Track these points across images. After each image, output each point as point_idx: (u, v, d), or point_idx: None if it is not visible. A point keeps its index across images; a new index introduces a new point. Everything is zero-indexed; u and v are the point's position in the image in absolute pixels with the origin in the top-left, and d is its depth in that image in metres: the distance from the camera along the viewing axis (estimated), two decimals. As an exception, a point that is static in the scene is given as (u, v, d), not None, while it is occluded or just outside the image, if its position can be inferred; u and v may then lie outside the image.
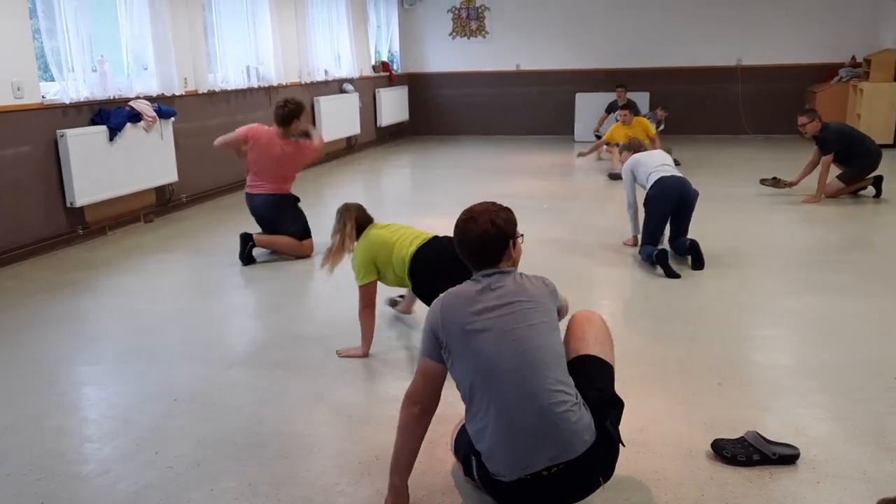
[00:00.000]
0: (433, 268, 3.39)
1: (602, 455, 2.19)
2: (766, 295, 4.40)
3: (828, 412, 2.92)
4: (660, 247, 4.94)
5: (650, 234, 5.04)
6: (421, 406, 2.24)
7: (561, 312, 2.44)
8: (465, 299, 2.23)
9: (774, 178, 7.19)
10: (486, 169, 9.25)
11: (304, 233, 5.43)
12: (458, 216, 2.39)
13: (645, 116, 9.73)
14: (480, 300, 2.22)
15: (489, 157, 10.52)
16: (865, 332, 3.76)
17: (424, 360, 2.27)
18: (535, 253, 5.39)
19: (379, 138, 11.99)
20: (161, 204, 6.94)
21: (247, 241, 5.25)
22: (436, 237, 3.53)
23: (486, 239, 2.26)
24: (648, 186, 5.07)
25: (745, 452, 2.55)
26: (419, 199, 7.84)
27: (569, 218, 6.52)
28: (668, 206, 4.98)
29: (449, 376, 2.27)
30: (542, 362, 2.15)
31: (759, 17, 11.42)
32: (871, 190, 6.95)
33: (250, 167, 5.45)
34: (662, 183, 4.97)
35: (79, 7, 5.83)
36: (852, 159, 6.79)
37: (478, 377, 2.15)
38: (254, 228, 5.48)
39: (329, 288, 4.57)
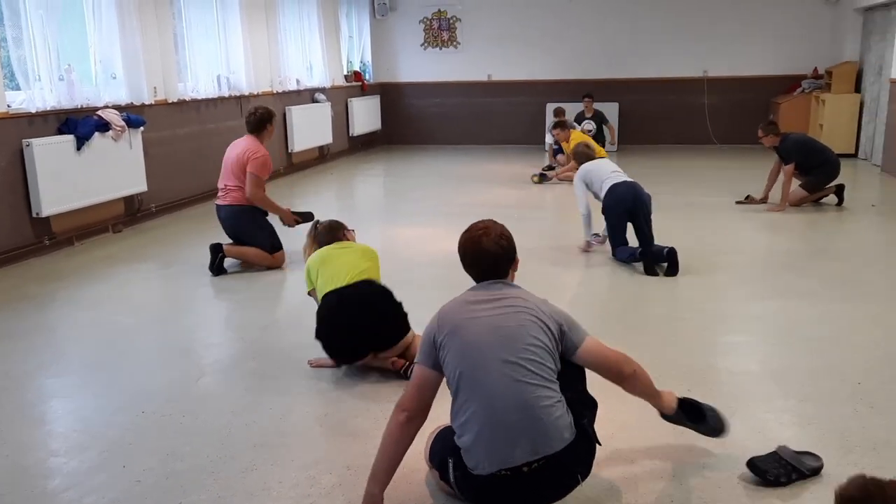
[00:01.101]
0: (329, 318, 3.42)
1: (581, 453, 2.25)
2: (733, 301, 4.47)
3: (793, 416, 2.98)
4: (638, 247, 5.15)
5: (618, 237, 5.27)
6: (408, 414, 2.28)
7: (580, 346, 2.36)
8: (463, 301, 2.34)
9: (748, 197, 7.34)
10: (457, 178, 9.29)
11: (272, 247, 5.36)
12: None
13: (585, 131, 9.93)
14: (478, 298, 2.33)
15: (461, 166, 10.56)
16: (829, 337, 3.83)
17: (419, 367, 2.32)
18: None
19: (351, 147, 11.98)
20: (130, 214, 6.86)
21: (217, 251, 5.21)
22: (353, 285, 3.42)
23: (499, 254, 2.36)
24: (604, 195, 5.29)
25: (786, 472, 2.49)
26: (391, 208, 7.84)
27: (537, 227, 6.57)
28: (625, 209, 5.20)
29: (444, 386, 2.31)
30: (526, 364, 2.20)
31: (724, 29, 11.63)
32: (833, 199, 7.11)
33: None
34: (615, 190, 5.22)
35: (45, 15, 5.76)
36: (813, 169, 6.94)
37: (465, 364, 2.21)
38: (224, 239, 5.44)
39: (300, 298, 4.55)
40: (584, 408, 2.33)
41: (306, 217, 5.50)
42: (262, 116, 5.43)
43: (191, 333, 4.21)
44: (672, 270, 4.96)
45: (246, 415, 3.10)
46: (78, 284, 5.09)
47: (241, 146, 5.39)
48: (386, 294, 3.49)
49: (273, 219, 5.54)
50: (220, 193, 5.42)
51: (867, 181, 8.53)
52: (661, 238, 5.20)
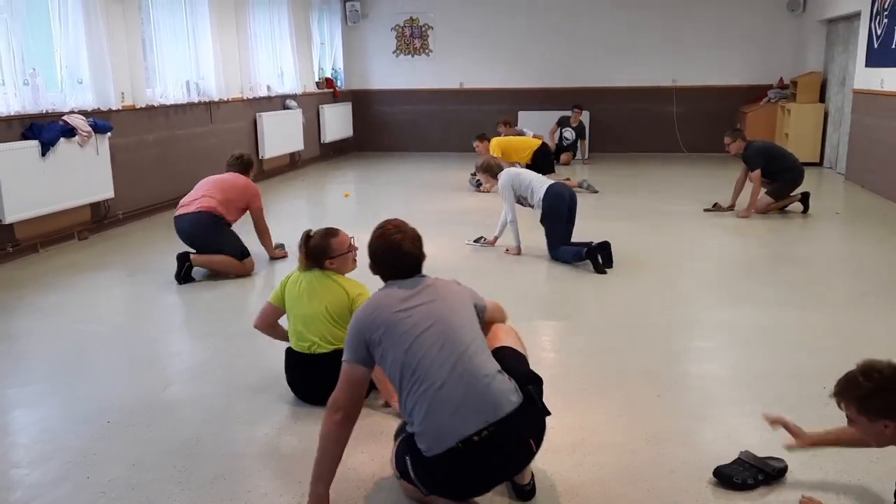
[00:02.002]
0: (292, 378, 3.27)
1: (530, 418, 2.31)
2: (701, 307, 4.53)
3: (761, 421, 3.00)
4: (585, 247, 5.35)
5: (560, 237, 5.48)
6: (344, 412, 2.31)
7: (485, 311, 2.62)
8: (392, 297, 2.39)
9: (715, 205, 7.44)
10: (428, 185, 9.29)
11: (241, 254, 5.28)
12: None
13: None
14: (407, 294, 2.38)
15: (432, 173, 10.57)
16: (795, 342, 3.89)
17: (349, 365, 2.35)
18: (472, 268, 5.44)
19: (323, 154, 11.93)
20: (96, 220, 6.75)
21: (184, 260, 5.12)
22: (310, 358, 3.18)
23: (418, 255, 2.48)
24: (540, 197, 5.45)
25: (752, 474, 2.53)
26: (362, 215, 7.81)
27: (506, 235, 6.58)
28: (567, 207, 5.47)
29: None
30: (463, 340, 2.31)
31: (692, 40, 11.80)
32: (798, 206, 7.23)
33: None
34: (554, 190, 5.46)
35: (10, 19, 5.66)
36: (777, 175, 7.07)
37: (408, 355, 2.27)
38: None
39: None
40: (528, 381, 2.40)
41: (281, 245, 5.82)
42: (248, 162, 5.66)
43: (157, 342, 4.15)
44: (608, 263, 5.27)
45: (214, 424, 3.06)
46: (42, 292, 4.99)
47: (231, 177, 5.47)
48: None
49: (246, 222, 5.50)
50: (183, 206, 5.31)
51: (832, 189, 8.70)
52: (633, 246, 5.25)
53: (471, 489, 2.34)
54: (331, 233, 3.29)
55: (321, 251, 3.23)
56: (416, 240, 2.49)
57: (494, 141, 8.93)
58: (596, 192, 8.42)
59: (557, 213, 5.45)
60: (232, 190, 5.37)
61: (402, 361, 2.27)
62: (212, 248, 5.20)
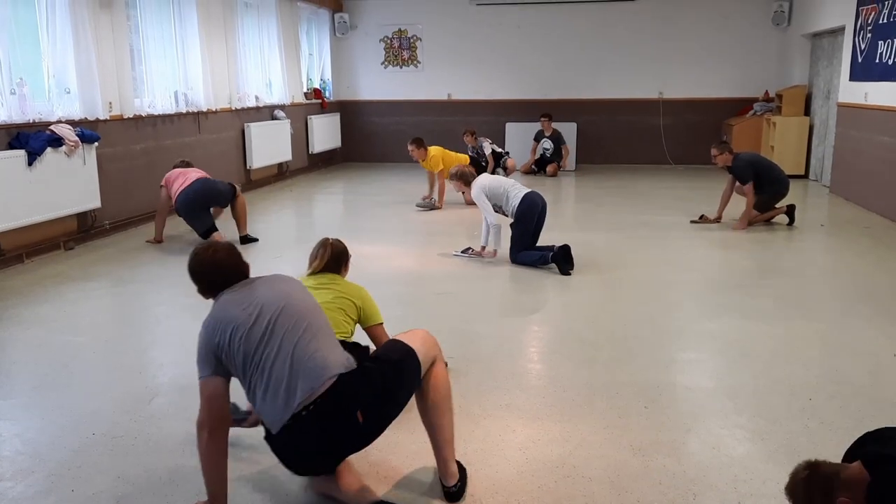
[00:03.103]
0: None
1: (358, 388, 2.38)
2: (687, 319, 4.55)
3: (747, 432, 3.03)
4: (551, 250, 5.60)
5: (527, 242, 5.76)
6: (209, 429, 2.36)
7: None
8: (228, 303, 2.46)
9: (702, 216, 7.49)
10: (416, 196, 9.27)
11: (206, 233, 6.36)
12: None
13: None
14: (241, 297, 2.47)
15: (419, 184, 10.55)
16: (780, 353, 3.92)
17: (203, 381, 2.40)
18: (455, 278, 5.44)
19: (311, 165, 11.92)
20: (83, 231, 6.71)
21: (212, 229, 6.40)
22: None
23: (239, 261, 2.59)
24: (517, 204, 5.71)
25: None
26: (350, 226, 7.81)
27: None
28: (536, 215, 5.75)
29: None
30: (299, 325, 2.42)
31: (679, 52, 11.90)
32: (784, 218, 7.29)
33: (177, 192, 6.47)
34: (529, 197, 5.74)
35: (-4, 28, 5.65)
36: (763, 187, 7.13)
37: (247, 346, 2.36)
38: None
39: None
40: (376, 360, 2.53)
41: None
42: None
43: (143, 353, 4.12)
44: (570, 265, 5.54)
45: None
46: (27, 303, 4.95)
47: (195, 169, 6.74)
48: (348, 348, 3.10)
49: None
50: (181, 184, 6.46)
51: (817, 202, 8.78)
52: (619, 257, 5.27)
53: (317, 462, 2.44)
54: (340, 257, 3.40)
55: (344, 255, 3.39)
56: (232, 250, 2.61)
57: (437, 150, 8.81)
58: None
59: (528, 220, 5.74)
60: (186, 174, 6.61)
61: (243, 352, 2.37)
62: (223, 201, 6.64)
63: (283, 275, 2.65)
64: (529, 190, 5.83)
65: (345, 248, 3.39)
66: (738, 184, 7.26)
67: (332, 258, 3.33)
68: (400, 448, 2.91)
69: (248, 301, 2.44)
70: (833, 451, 2.79)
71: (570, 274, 5.49)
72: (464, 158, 9.04)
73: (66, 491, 2.63)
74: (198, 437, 2.38)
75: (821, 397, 3.36)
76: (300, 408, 2.30)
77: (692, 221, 7.45)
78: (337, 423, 2.34)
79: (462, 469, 2.64)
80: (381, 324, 3.29)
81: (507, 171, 9.90)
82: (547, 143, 11.28)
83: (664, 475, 2.70)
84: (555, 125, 11.39)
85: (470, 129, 10.34)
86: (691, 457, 2.83)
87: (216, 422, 2.38)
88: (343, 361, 2.41)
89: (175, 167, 6.82)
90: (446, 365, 2.88)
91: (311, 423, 2.31)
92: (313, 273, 3.32)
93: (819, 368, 3.71)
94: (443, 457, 2.56)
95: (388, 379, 2.44)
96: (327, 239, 3.40)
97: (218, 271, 2.56)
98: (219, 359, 2.40)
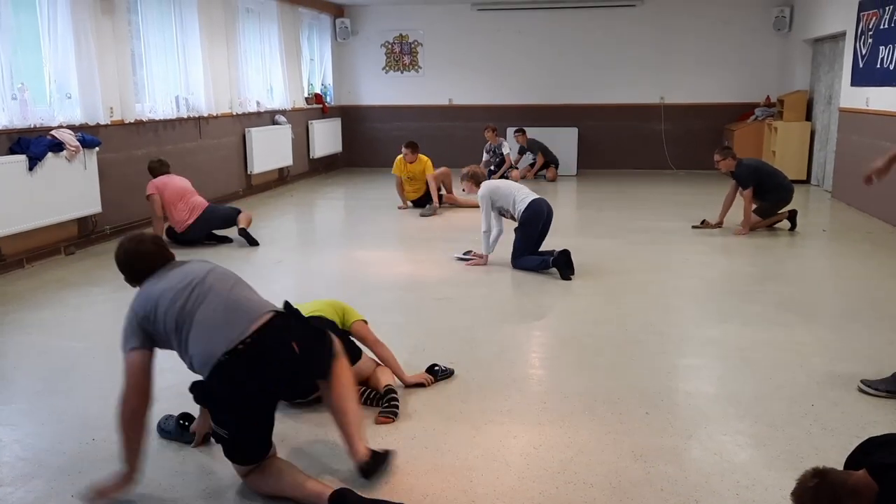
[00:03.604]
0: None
1: (293, 324, 2.62)
2: (688, 324, 4.54)
3: (748, 438, 3.02)
4: (553, 254, 5.61)
5: (529, 248, 5.78)
6: (131, 407, 2.51)
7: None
8: (154, 282, 2.63)
9: (703, 221, 7.50)
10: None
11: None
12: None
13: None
14: (166, 275, 2.65)
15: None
16: (782, 359, 3.90)
17: (129, 354, 2.55)
18: (456, 282, 5.43)
19: (312, 170, 11.93)
20: (83, 236, 6.71)
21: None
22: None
23: (157, 247, 2.76)
24: (522, 209, 5.73)
25: None
26: (351, 231, 7.81)
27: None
28: (541, 222, 5.78)
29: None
30: (225, 284, 2.63)
31: (680, 58, 11.92)
32: (786, 224, 7.28)
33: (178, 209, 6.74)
34: (535, 204, 5.75)
35: (-2, 33, 5.66)
36: (766, 194, 7.12)
37: (174, 308, 2.52)
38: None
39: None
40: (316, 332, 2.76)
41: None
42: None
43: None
44: (571, 270, 5.55)
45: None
46: (27, 308, 4.95)
47: (178, 177, 6.94)
48: (317, 321, 3.22)
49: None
50: (189, 214, 6.69)
51: (819, 207, 8.77)
52: (620, 262, 5.26)
53: (251, 407, 2.51)
54: None
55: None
56: (157, 240, 2.79)
57: (427, 159, 8.86)
58: None
59: (532, 226, 5.76)
60: (188, 186, 6.90)
61: (176, 310, 2.51)
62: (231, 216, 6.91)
63: (204, 261, 2.84)
64: (536, 197, 5.82)
65: None
66: (740, 189, 7.26)
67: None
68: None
69: (175, 275, 2.63)
70: (835, 458, 2.78)
71: (570, 279, 5.49)
72: (429, 173, 8.89)
73: (66, 497, 2.62)
74: (119, 410, 2.52)
75: (823, 403, 3.35)
76: (237, 343, 2.43)
77: (694, 227, 7.44)
78: (274, 352, 2.48)
79: (383, 452, 2.70)
80: (364, 320, 3.45)
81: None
82: (529, 157, 11.38)
83: (666, 481, 2.69)
84: (557, 130, 11.43)
85: (492, 125, 10.42)
86: (693, 463, 2.82)
87: (139, 398, 2.52)
88: (273, 305, 2.63)
89: (157, 173, 6.84)
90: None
91: (249, 354, 2.44)
92: None
93: (821, 374, 3.70)
94: (352, 437, 2.67)
95: (315, 330, 2.72)
96: None
97: (142, 260, 2.71)
98: (146, 332, 2.54)
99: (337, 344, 2.76)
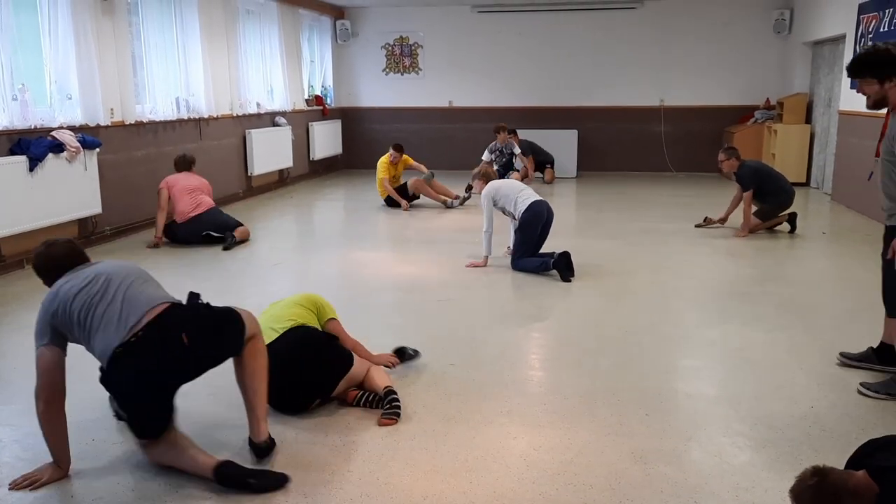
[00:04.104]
0: None
1: (185, 315, 2.73)
2: (688, 326, 4.54)
3: (748, 440, 3.02)
4: (553, 256, 5.62)
5: (530, 249, 5.78)
6: (44, 400, 2.66)
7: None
8: (70, 279, 2.75)
9: (706, 219, 7.54)
10: (416, 203, 9.29)
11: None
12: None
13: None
14: (75, 274, 2.77)
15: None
16: (781, 361, 3.91)
17: (40, 350, 2.67)
18: (456, 284, 5.43)
19: (312, 171, 11.94)
20: (84, 236, 6.71)
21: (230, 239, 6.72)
22: (277, 339, 3.29)
23: (71, 252, 2.89)
24: (522, 210, 5.75)
25: None
26: (350, 233, 7.81)
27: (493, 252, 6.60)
28: (541, 224, 5.77)
29: None
30: (126, 279, 2.76)
31: (680, 60, 11.93)
32: (786, 226, 7.29)
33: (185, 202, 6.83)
34: (535, 206, 5.76)
35: (-1, 34, 5.67)
36: (767, 196, 7.13)
37: (77, 303, 2.65)
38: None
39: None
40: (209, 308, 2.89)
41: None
42: (192, 159, 7.27)
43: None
44: (571, 272, 5.55)
45: (199, 443, 3.02)
46: (27, 308, 4.94)
47: (196, 177, 7.04)
48: (313, 337, 3.33)
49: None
50: (194, 207, 6.81)
51: (818, 209, 8.77)
52: (621, 264, 5.26)
53: (149, 393, 2.66)
54: None
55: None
56: (69, 244, 2.93)
57: (408, 158, 9.27)
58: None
59: (532, 228, 5.76)
60: (204, 186, 7.07)
61: (80, 305, 2.65)
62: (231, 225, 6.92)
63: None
64: (537, 199, 5.83)
65: None
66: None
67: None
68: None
69: (82, 273, 2.76)
70: (835, 460, 2.78)
71: (570, 281, 5.49)
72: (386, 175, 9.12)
73: (65, 497, 2.62)
74: (35, 405, 2.67)
75: (823, 405, 3.35)
76: (131, 335, 2.59)
77: (697, 225, 7.48)
78: (164, 344, 2.62)
79: (273, 443, 2.89)
80: (335, 318, 3.55)
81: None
82: (517, 163, 11.40)
83: (665, 483, 2.69)
84: (557, 132, 11.43)
85: (505, 125, 10.46)
86: (693, 465, 2.82)
87: (51, 392, 2.66)
88: (172, 298, 2.77)
89: (177, 168, 7.08)
90: None
91: (141, 347, 2.59)
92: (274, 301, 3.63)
93: (821, 376, 3.70)
94: (256, 416, 2.84)
95: (215, 318, 2.80)
96: None
97: (52, 260, 2.86)
98: (55, 329, 2.67)
99: (252, 324, 2.89)
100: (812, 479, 1.99)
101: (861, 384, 3.49)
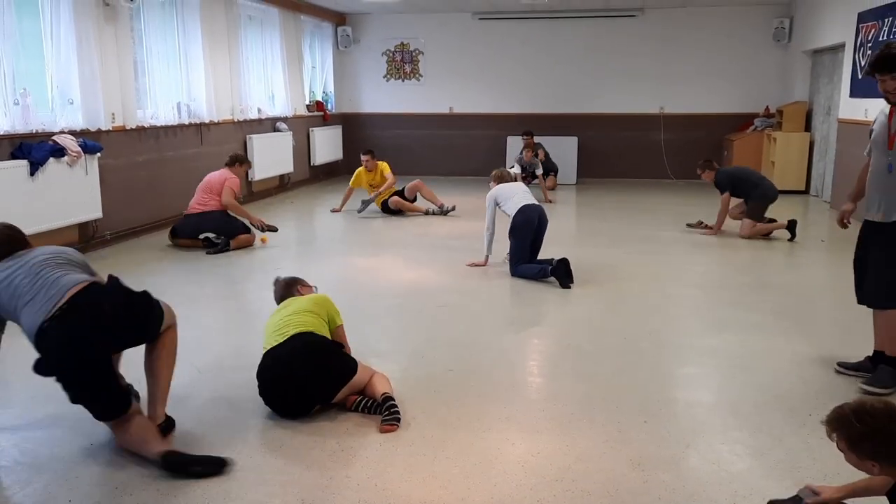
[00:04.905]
0: (265, 380, 3.34)
1: (106, 289, 2.96)
2: (687, 333, 4.54)
3: (747, 448, 3.02)
4: (552, 262, 5.62)
5: (524, 256, 5.79)
6: None
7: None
8: (8, 263, 2.97)
9: (699, 222, 7.81)
10: (415, 203, 9.29)
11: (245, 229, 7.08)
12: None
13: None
14: (12, 260, 2.98)
15: (419, 197, 10.57)
16: (780, 368, 3.91)
17: None
18: (457, 290, 5.44)
19: (312, 177, 11.95)
20: (84, 241, 6.72)
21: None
22: (284, 343, 3.33)
23: (12, 239, 3.09)
24: (512, 214, 5.79)
25: None
26: (350, 238, 7.82)
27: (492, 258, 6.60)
28: (532, 229, 5.76)
29: None
30: (49, 266, 2.94)
31: (680, 68, 11.95)
32: (785, 233, 7.30)
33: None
34: (526, 210, 5.76)
35: (1, 39, 5.68)
36: (749, 192, 7.46)
37: (16, 286, 2.87)
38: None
39: (258, 332, 4.49)
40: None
41: (272, 228, 7.15)
42: (237, 157, 7.44)
43: (140, 365, 4.08)
44: (570, 278, 5.54)
45: (197, 447, 3.03)
46: (27, 312, 4.94)
47: (222, 178, 7.10)
48: (319, 344, 3.35)
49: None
50: (202, 205, 6.93)
51: (818, 217, 8.78)
52: (620, 271, 5.26)
53: (77, 364, 2.83)
54: (290, 282, 3.88)
55: (292, 283, 3.85)
56: (9, 227, 3.11)
57: (384, 164, 9.37)
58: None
59: (522, 234, 5.78)
60: (219, 187, 7.03)
61: (11, 289, 2.86)
62: (228, 230, 6.94)
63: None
64: (528, 203, 5.83)
65: (291, 279, 3.90)
66: (731, 203, 7.56)
67: (284, 288, 3.82)
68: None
69: (18, 258, 2.98)
70: (834, 468, 2.78)
71: (570, 287, 5.50)
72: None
73: (63, 501, 2.62)
74: None
75: (821, 413, 3.33)
76: (56, 310, 2.78)
77: (688, 225, 7.82)
78: (86, 311, 2.81)
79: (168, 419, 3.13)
80: (341, 325, 3.64)
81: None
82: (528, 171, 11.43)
83: (663, 490, 2.69)
84: (557, 139, 11.45)
85: (532, 140, 10.57)
86: (691, 472, 2.82)
87: None
88: (87, 279, 2.95)
89: (230, 163, 7.36)
90: None
91: (64, 317, 2.77)
92: (279, 307, 3.66)
93: (819, 384, 3.71)
94: (156, 401, 3.08)
95: (135, 297, 3.00)
96: (277, 277, 3.97)
97: None
98: None
99: (170, 316, 3.10)
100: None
101: (860, 386, 3.54)
